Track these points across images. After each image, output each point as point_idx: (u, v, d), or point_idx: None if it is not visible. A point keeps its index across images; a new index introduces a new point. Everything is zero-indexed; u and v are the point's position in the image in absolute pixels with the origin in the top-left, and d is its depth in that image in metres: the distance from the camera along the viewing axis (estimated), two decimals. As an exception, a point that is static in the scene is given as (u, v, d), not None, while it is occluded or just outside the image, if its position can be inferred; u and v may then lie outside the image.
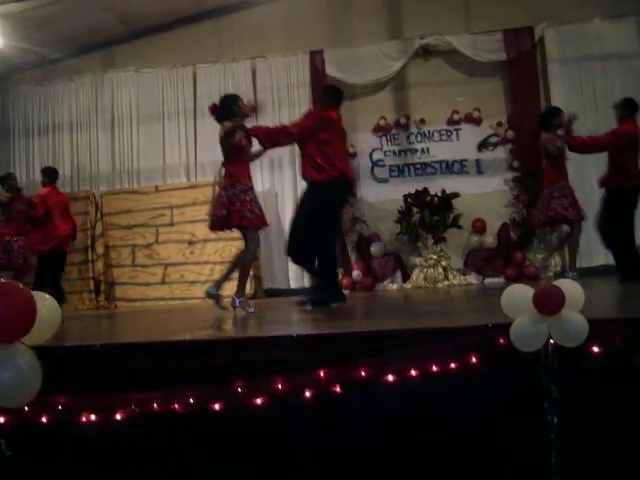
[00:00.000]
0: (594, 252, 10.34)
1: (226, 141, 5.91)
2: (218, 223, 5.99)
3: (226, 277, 6.20)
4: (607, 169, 7.58)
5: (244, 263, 6.02)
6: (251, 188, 5.99)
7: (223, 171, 6.08)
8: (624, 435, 2.82)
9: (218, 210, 5.89)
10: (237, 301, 5.90)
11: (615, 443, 2.82)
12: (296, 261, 6.85)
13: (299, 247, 6.38)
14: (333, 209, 6.39)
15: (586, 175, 9.51)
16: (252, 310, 5.87)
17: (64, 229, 9.19)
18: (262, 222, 6.02)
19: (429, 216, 10.57)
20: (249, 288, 10.42)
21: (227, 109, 6.00)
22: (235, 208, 5.77)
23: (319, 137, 6.17)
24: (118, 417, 2.95)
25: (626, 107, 7.50)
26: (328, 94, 6.83)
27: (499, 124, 11.03)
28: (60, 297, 8.72)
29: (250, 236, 5.95)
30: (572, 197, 7.68)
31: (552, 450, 2.77)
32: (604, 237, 7.52)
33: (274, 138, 6.35)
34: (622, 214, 7.28)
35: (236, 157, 5.97)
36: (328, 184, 6.14)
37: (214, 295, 6.08)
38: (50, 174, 9.38)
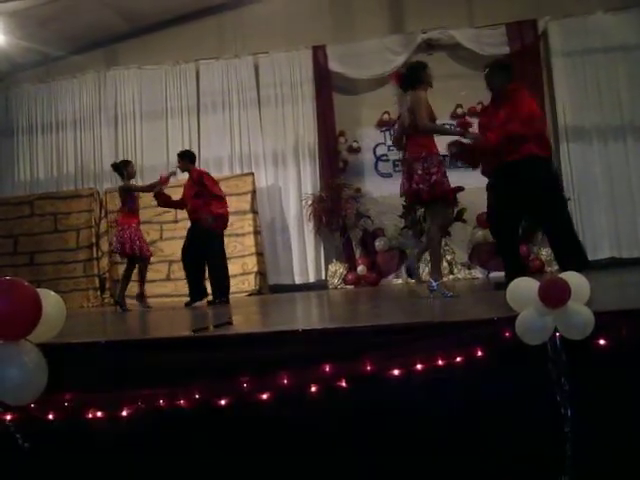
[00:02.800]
0: (599, 245, 10.36)
1: (421, 108, 5.61)
2: (411, 197, 5.78)
3: (436, 265, 5.81)
4: None
5: (431, 241, 5.68)
6: (442, 161, 5.67)
7: None
8: (635, 426, 2.82)
9: (408, 184, 5.63)
10: (434, 284, 5.49)
11: (628, 435, 2.82)
12: None
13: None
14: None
15: None
16: (451, 294, 5.38)
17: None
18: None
19: (433, 210, 10.55)
20: (254, 283, 10.46)
21: (415, 76, 5.81)
22: (434, 180, 5.46)
23: None
24: (124, 414, 2.95)
25: None
26: (504, 71, 6.07)
27: (503, 118, 11.00)
28: None
29: (436, 210, 5.69)
30: None
31: (567, 443, 2.75)
32: None
33: None
34: None
35: None
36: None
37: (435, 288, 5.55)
38: (191, 156, 8.62)
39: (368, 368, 2.89)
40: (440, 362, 2.88)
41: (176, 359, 3.13)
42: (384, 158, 11.44)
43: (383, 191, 11.27)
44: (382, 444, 2.95)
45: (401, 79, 6.00)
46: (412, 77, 5.85)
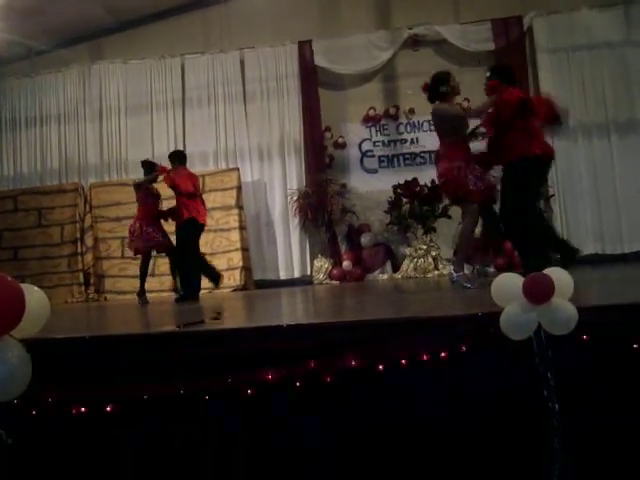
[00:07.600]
0: (582, 241, 10.41)
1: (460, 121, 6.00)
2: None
3: (462, 255, 6.03)
4: None
5: (463, 236, 5.92)
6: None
7: None
8: (620, 419, 2.84)
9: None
10: (455, 275, 5.71)
11: (614, 427, 2.84)
12: None
13: None
14: None
15: None
16: (470, 285, 5.47)
17: None
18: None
19: (419, 206, 10.57)
20: (239, 279, 10.46)
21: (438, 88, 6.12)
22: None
23: None
24: (108, 409, 2.94)
25: None
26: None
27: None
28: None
29: (467, 208, 5.88)
30: None
31: (555, 437, 2.77)
32: None
33: None
34: None
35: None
36: None
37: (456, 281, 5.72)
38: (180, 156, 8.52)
39: (353, 363, 2.89)
40: (425, 357, 2.89)
41: (160, 355, 3.12)
42: (370, 154, 11.45)
43: (369, 187, 11.30)
44: (367, 439, 2.96)
45: (426, 90, 6.35)
46: (436, 89, 6.21)
